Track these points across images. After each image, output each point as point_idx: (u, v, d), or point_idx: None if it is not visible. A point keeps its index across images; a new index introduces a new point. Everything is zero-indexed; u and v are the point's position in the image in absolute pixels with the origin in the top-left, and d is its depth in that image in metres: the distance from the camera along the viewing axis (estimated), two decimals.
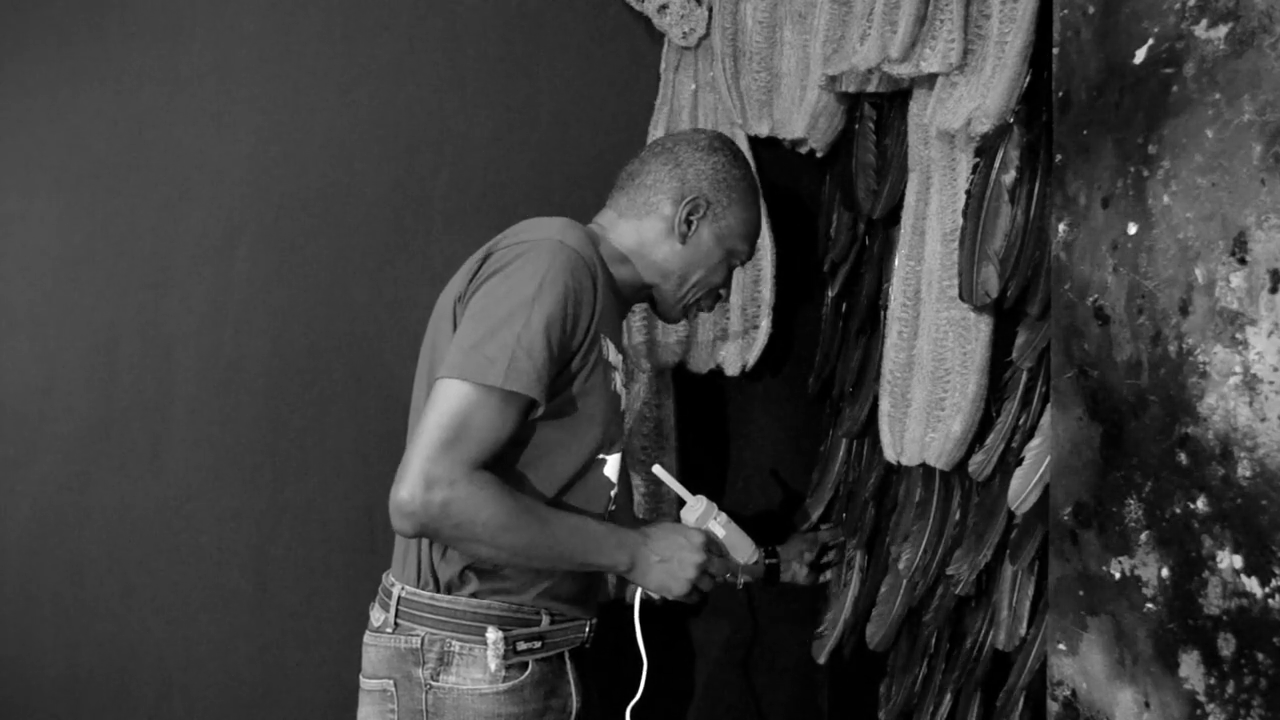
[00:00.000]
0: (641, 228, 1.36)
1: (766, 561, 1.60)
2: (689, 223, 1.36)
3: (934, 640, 1.72)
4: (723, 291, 1.45)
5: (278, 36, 1.70)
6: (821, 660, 1.88)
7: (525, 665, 1.23)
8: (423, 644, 1.21)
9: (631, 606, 1.35)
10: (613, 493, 1.31)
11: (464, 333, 1.16)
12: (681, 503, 1.39)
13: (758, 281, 1.80)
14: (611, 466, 1.30)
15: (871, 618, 1.76)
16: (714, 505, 1.37)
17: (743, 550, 1.39)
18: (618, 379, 1.30)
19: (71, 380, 1.64)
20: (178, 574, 1.68)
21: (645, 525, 1.32)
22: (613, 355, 1.29)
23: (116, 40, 1.65)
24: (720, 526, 1.37)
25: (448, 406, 1.12)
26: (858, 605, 1.83)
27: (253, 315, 1.70)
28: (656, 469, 1.37)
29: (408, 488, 1.09)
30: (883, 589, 1.75)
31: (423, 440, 1.11)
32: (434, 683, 1.20)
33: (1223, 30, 1.15)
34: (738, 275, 1.80)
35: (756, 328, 1.80)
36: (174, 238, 1.67)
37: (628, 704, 1.36)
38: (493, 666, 1.20)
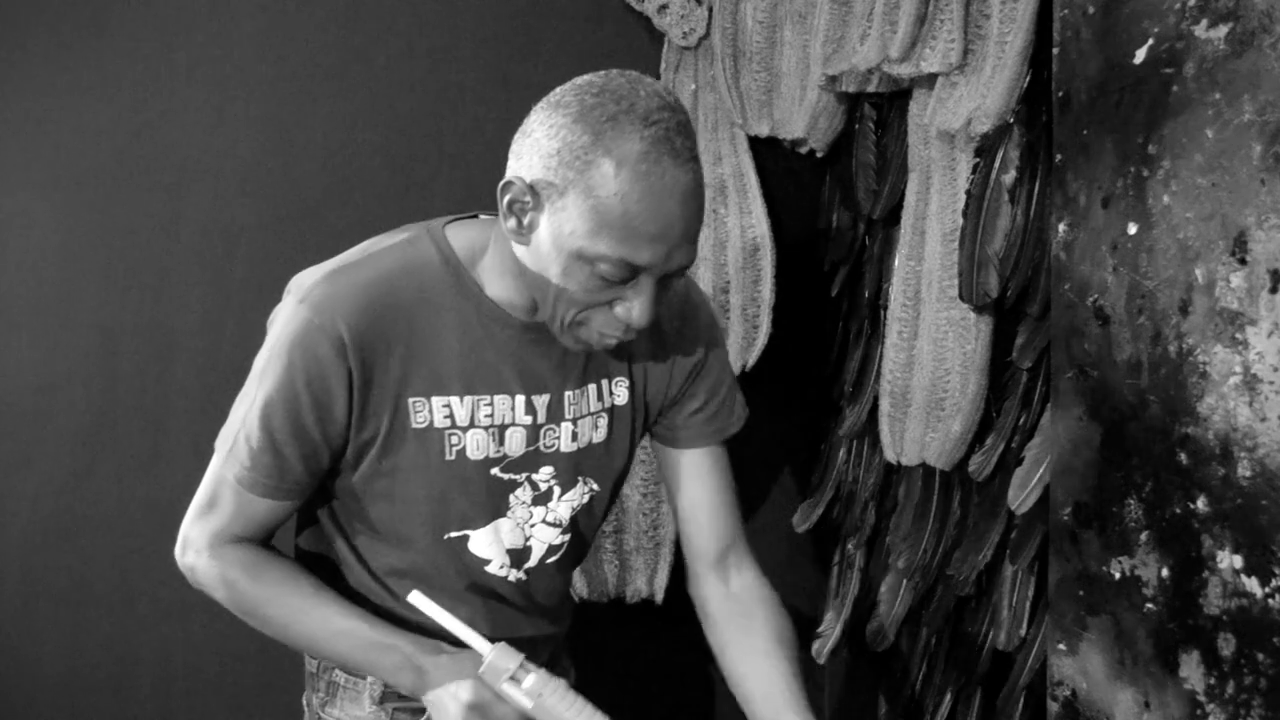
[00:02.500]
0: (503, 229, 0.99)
1: None
2: (514, 214, 0.94)
3: (934, 640, 1.72)
4: (620, 311, 0.95)
5: (277, 36, 1.70)
6: (821, 660, 1.88)
7: (422, 710, 1.04)
8: (318, 669, 1.13)
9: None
10: (490, 567, 1.08)
11: None
12: None
13: (758, 282, 1.80)
14: (483, 542, 1.06)
15: (871, 618, 1.76)
16: (510, 661, 0.98)
17: None
18: (473, 439, 1.03)
19: (71, 380, 1.64)
20: (177, 573, 1.67)
21: (448, 656, 1.01)
22: (457, 413, 1.02)
23: (116, 40, 1.64)
24: (523, 695, 0.97)
25: (209, 472, 1.04)
26: (858, 605, 1.83)
27: (253, 315, 1.69)
28: (414, 597, 1.00)
29: (176, 547, 1.07)
30: (883, 589, 1.75)
31: (192, 501, 1.05)
32: (321, 713, 1.12)
33: (1223, 30, 1.15)
34: (737, 274, 1.79)
35: (756, 328, 1.80)
36: (174, 238, 1.67)
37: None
38: (366, 707, 1.08)
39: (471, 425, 1.02)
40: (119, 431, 1.65)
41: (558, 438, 1.07)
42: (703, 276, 1.81)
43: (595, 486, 1.12)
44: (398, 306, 0.98)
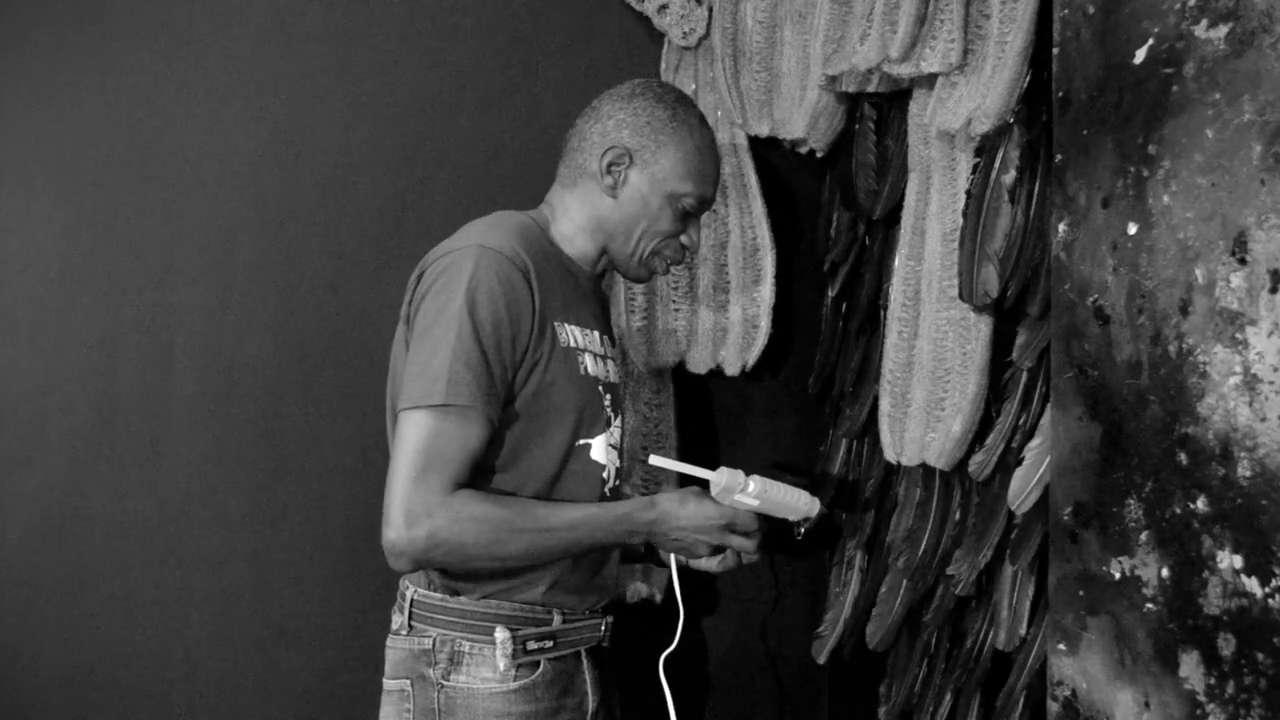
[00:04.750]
0: (580, 193, 1.32)
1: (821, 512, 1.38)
2: (612, 175, 1.30)
3: (934, 640, 1.72)
4: (685, 240, 1.36)
5: (278, 36, 1.70)
6: (821, 660, 1.89)
7: (537, 664, 1.23)
8: (434, 645, 1.22)
9: (668, 559, 1.32)
10: (605, 473, 1.30)
11: (411, 360, 1.18)
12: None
13: (758, 281, 1.80)
14: (600, 449, 1.28)
15: (871, 618, 1.76)
16: (739, 476, 1.26)
17: (792, 509, 1.29)
18: (589, 360, 1.28)
19: (71, 380, 1.64)
20: (177, 574, 1.68)
21: (665, 494, 1.28)
22: (579, 338, 1.27)
23: (117, 40, 1.65)
24: (751, 498, 1.26)
25: (410, 438, 1.13)
26: (858, 605, 1.83)
27: (253, 315, 1.70)
28: (654, 459, 1.27)
29: (393, 528, 1.12)
30: (883, 589, 1.75)
31: (396, 478, 1.13)
32: (445, 682, 1.21)
33: (1223, 30, 1.15)
34: (737, 274, 1.80)
35: (756, 328, 1.80)
36: (174, 238, 1.67)
37: (661, 656, 1.36)
38: (501, 666, 1.21)
39: (585, 349, 1.28)
40: (119, 431, 1.66)
41: (608, 370, 1.34)
42: (703, 276, 1.81)
43: (623, 421, 1.37)
44: (534, 251, 1.24)
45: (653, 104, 1.31)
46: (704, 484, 1.29)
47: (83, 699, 1.65)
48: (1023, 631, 1.56)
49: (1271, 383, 1.10)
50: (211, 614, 1.69)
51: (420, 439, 1.13)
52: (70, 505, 1.64)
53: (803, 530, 1.36)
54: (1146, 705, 1.26)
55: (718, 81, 1.77)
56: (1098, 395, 1.33)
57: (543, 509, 1.20)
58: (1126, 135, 1.28)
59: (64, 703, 1.65)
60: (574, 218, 1.33)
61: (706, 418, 1.91)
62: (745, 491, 1.25)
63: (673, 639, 1.35)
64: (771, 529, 1.33)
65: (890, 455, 1.70)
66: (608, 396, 1.31)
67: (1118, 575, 1.30)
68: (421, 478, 1.12)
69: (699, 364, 1.83)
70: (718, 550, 1.30)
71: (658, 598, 1.79)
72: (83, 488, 1.65)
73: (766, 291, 1.79)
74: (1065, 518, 1.40)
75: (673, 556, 1.34)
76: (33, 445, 1.63)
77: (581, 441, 1.27)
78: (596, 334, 1.32)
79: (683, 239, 1.35)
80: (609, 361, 1.35)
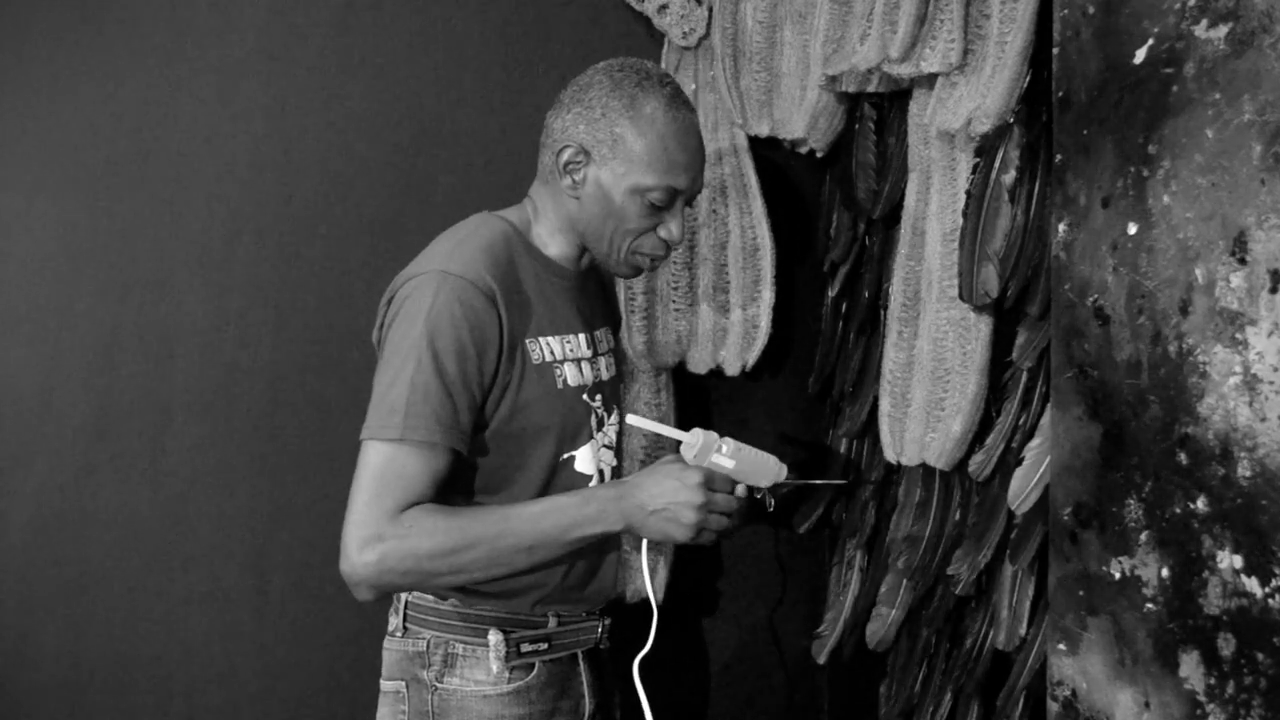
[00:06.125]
0: (551, 192, 1.25)
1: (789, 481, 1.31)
2: (570, 175, 1.21)
3: (934, 640, 1.72)
4: (663, 233, 1.23)
5: (278, 36, 1.70)
6: (821, 660, 1.89)
7: (531, 666, 1.22)
8: (428, 647, 1.21)
9: (640, 554, 1.24)
10: (593, 482, 1.26)
11: (374, 389, 1.16)
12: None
13: (758, 282, 1.80)
14: (585, 459, 1.25)
15: (871, 618, 1.76)
16: (714, 436, 1.20)
17: (764, 474, 1.23)
18: (568, 370, 1.23)
19: (71, 380, 1.64)
20: (178, 574, 1.68)
21: (637, 473, 1.21)
22: (556, 349, 1.23)
23: (116, 40, 1.65)
24: (726, 459, 1.20)
25: (365, 469, 1.12)
26: (858, 605, 1.83)
27: (253, 315, 1.70)
28: (631, 418, 1.22)
29: (345, 560, 1.10)
30: (883, 589, 1.75)
31: (350, 509, 1.11)
32: (439, 684, 1.20)
33: (1223, 30, 1.15)
34: (737, 274, 1.80)
35: (756, 328, 1.80)
36: (174, 238, 1.67)
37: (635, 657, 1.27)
38: (494, 669, 1.20)
39: (565, 359, 1.24)
40: (119, 430, 1.66)
41: (599, 369, 1.30)
42: (703, 276, 1.81)
43: (618, 417, 1.33)
44: (505, 265, 1.19)
45: (606, 94, 1.19)
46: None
47: (83, 699, 1.65)
48: (1023, 631, 1.56)
49: (1271, 383, 1.10)
50: (211, 614, 1.69)
51: (375, 468, 1.11)
52: (70, 505, 1.64)
53: (773, 501, 1.28)
54: (1146, 705, 1.26)
55: (718, 81, 1.77)
56: (1098, 395, 1.33)
57: (501, 509, 1.15)
58: (1126, 135, 1.29)
59: (64, 703, 1.65)
60: (549, 218, 1.26)
61: (706, 418, 1.91)
62: (721, 452, 1.20)
63: (646, 640, 1.26)
64: (750, 504, 1.26)
65: (890, 455, 1.70)
66: (597, 398, 1.28)
67: (1118, 575, 1.30)
68: (370, 505, 1.10)
69: (699, 364, 1.83)
70: (701, 525, 1.17)
71: (658, 597, 1.79)
72: (83, 488, 1.65)
73: (766, 291, 1.79)
74: (1065, 518, 1.40)
75: (644, 550, 1.24)
76: (33, 445, 1.63)
77: (565, 456, 1.24)
78: (581, 336, 1.27)
79: (660, 233, 1.23)
80: (600, 360, 1.30)
